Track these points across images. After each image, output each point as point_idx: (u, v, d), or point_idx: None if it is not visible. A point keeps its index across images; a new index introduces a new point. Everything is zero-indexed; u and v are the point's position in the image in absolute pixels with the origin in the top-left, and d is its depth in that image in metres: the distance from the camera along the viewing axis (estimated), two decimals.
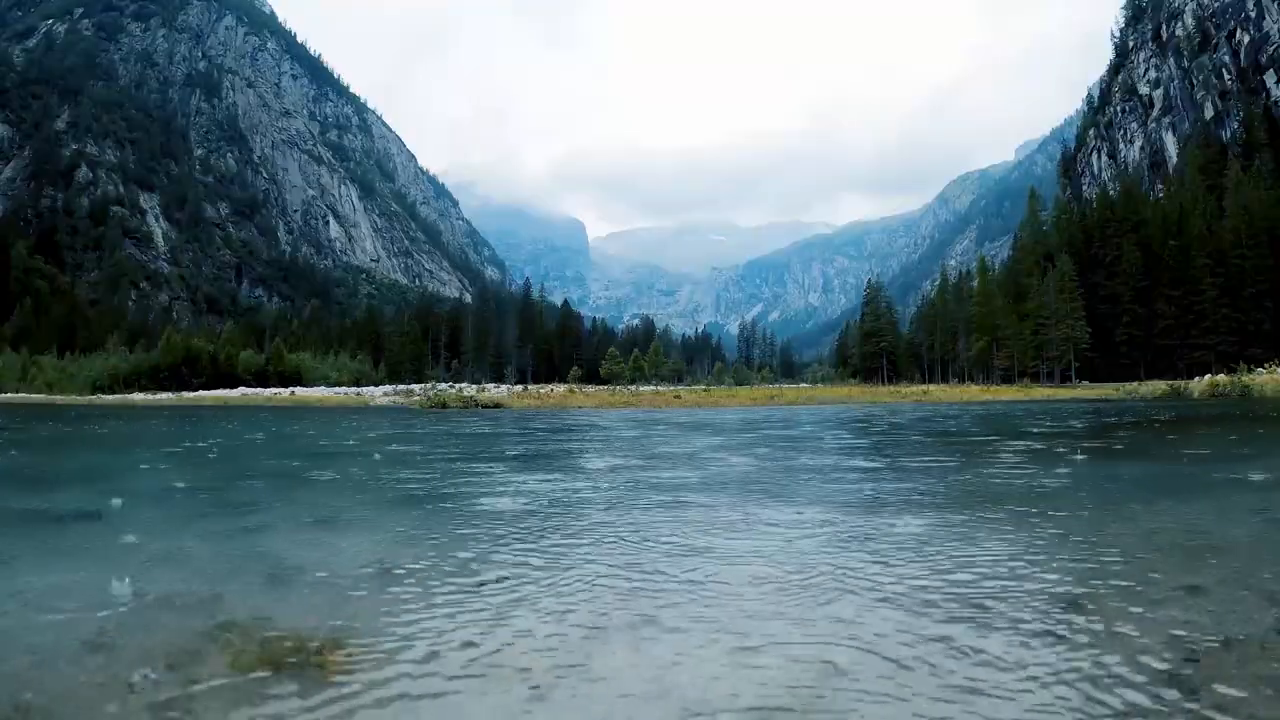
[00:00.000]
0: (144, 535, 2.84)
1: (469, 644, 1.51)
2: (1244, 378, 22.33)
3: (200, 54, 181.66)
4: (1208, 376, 25.34)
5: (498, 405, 22.27)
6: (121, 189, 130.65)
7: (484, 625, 1.64)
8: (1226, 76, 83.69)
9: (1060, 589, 1.89)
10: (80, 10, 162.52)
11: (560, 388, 40.95)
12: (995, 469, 5.01)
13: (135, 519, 3.39)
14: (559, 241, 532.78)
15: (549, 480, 4.67)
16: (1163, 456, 5.99)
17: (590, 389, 39.22)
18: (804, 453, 6.78)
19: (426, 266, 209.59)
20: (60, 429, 12.28)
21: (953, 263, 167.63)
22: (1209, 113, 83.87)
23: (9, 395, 50.08)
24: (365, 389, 42.61)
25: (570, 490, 4.14)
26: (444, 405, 22.50)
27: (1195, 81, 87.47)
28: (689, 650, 1.47)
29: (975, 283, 65.38)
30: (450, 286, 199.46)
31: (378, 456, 6.95)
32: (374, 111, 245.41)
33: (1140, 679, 1.29)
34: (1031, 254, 58.88)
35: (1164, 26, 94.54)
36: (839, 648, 1.47)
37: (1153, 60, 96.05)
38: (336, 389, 43.56)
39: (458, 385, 41.22)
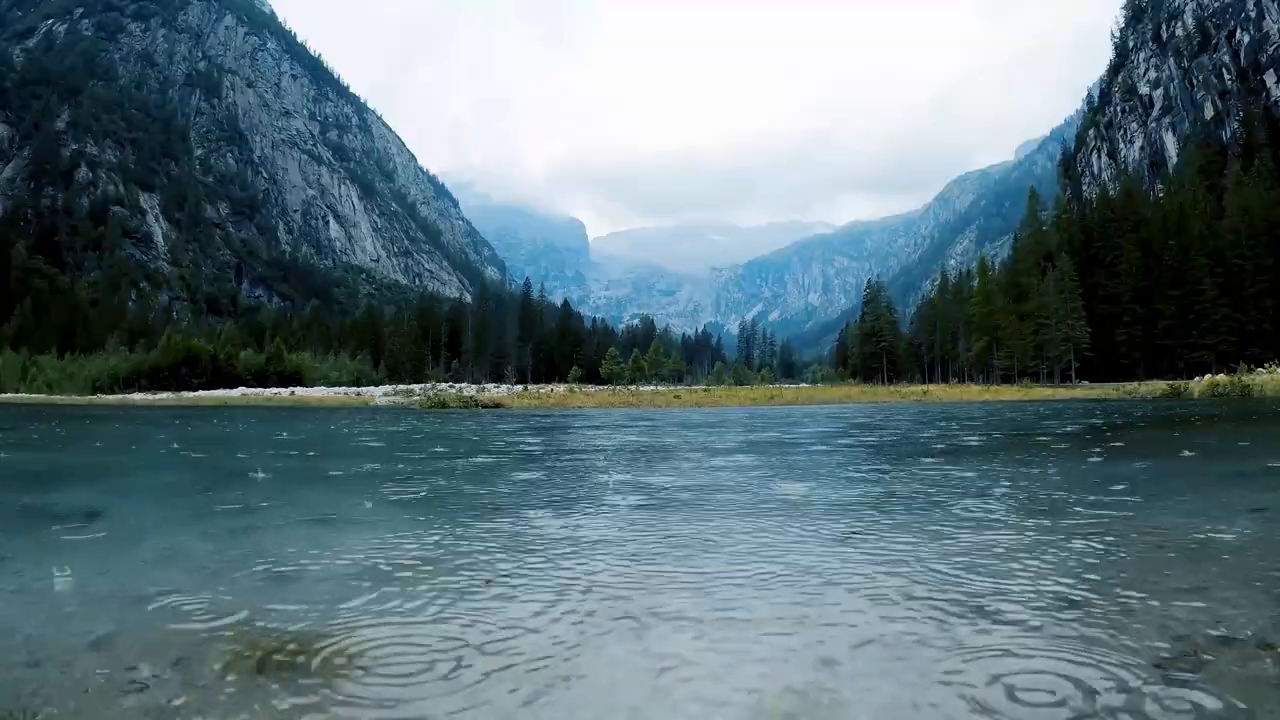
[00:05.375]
0: (144, 534, 2.84)
1: (468, 643, 1.52)
2: (1244, 378, 22.30)
3: (200, 54, 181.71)
4: (1208, 376, 25.33)
5: (498, 405, 22.28)
6: (121, 189, 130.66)
7: (483, 624, 1.64)
8: (1226, 76, 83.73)
9: (1060, 587, 1.89)
10: (80, 10, 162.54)
11: (560, 388, 40.97)
12: (995, 469, 5.01)
13: (136, 518, 3.39)
14: (559, 241, 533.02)
15: (548, 480, 4.67)
16: (1162, 456, 5.99)
17: (590, 389, 39.23)
18: (804, 454, 6.78)
19: (426, 266, 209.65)
20: (60, 429, 12.28)
21: (953, 263, 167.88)
22: (1209, 113, 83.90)
23: (9, 395, 50.11)
24: (365, 389, 42.61)
25: (570, 489, 4.14)
26: (444, 405, 22.51)
27: (1195, 81, 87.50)
28: (688, 649, 1.48)
29: (975, 283, 65.37)
30: (450, 286, 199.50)
31: (377, 457, 6.95)
32: (374, 111, 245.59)
33: (1141, 677, 1.29)
34: (1031, 254, 58.91)
35: (1164, 26, 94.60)
36: (838, 647, 1.47)
37: (1153, 60, 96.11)
38: (336, 389, 43.56)
39: (458, 385, 41.25)
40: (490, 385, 44.95)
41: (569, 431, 10.52)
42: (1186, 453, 6.11)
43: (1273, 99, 76.36)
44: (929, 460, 5.70)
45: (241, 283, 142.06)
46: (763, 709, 1.20)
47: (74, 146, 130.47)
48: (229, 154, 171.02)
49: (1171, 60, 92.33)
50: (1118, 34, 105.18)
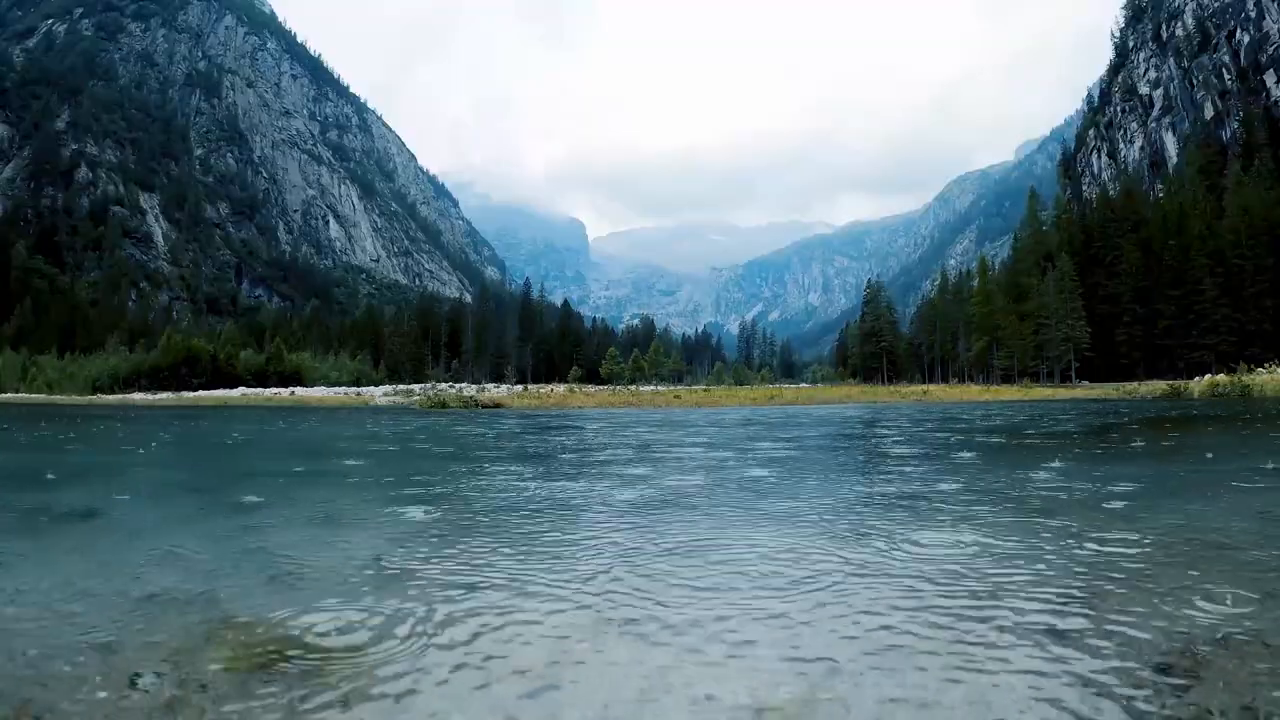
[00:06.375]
0: (144, 534, 2.84)
1: (469, 643, 1.52)
2: (1244, 378, 22.31)
3: (200, 54, 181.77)
4: (1208, 376, 25.32)
5: (498, 405, 22.28)
6: (121, 189, 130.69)
7: (484, 624, 1.65)
8: (1226, 76, 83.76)
9: (1060, 587, 1.89)
10: (80, 10, 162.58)
11: (560, 388, 40.97)
12: (995, 468, 5.01)
13: (135, 518, 3.39)
14: (559, 241, 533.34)
15: (548, 479, 4.67)
16: (1162, 456, 5.98)
17: (590, 389, 39.23)
18: (805, 455, 6.78)
19: (426, 266, 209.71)
20: (60, 429, 12.27)
21: (953, 263, 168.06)
22: (1209, 113, 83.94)
23: (9, 395, 50.12)
24: (365, 389, 42.62)
25: (570, 489, 4.14)
26: (444, 405, 22.52)
27: (1195, 81, 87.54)
28: (689, 648, 1.48)
29: (975, 283, 65.40)
30: (450, 286, 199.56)
31: (377, 457, 6.95)
32: (374, 111, 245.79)
33: (1141, 678, 1.29)
34: (1031, 254, 58.91)
35: (1164, 26, 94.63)
36: (838, 647, 1.47)
37: (1153, 60, 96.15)
38: (336, 389, 43.57)
39: (458, 385, 41.25)
40: (490, 385, 44.96)
41: (569, 432, 10.52)
42: (1186, 453, 6.11)
43: (1273, 99, 76.40)
44: (929, 460, 5.70)
45: (241, 283, 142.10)
46: (763, 710, 1.20)
47: (74, 146, 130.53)
48: (229, 154, 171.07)
49: (1171, 60, 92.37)
50: (1118, 34, 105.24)
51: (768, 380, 76.00)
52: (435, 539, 2.67)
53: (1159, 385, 28.26)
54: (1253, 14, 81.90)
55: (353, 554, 2.41)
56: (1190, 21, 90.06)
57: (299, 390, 42.38)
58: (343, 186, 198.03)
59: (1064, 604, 1.74)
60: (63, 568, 2.28)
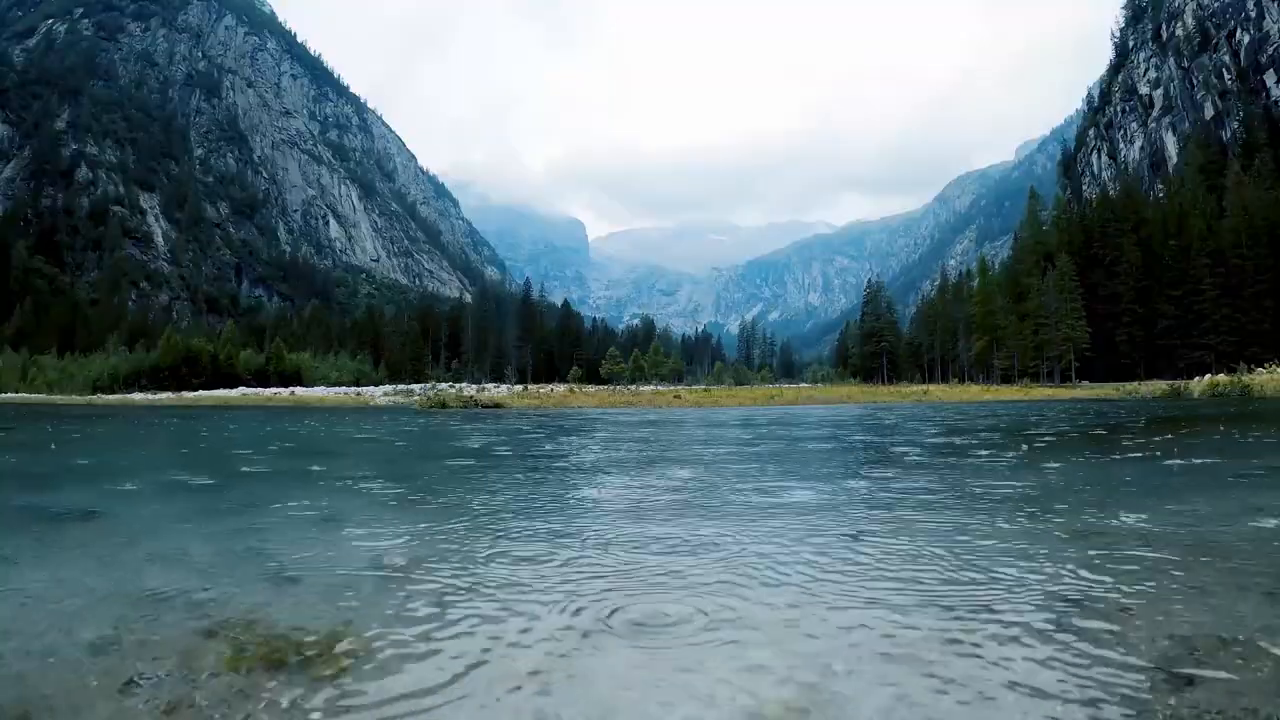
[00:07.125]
0: (143, 534, 2.84)
1: (469, 643, 1.52)
2: (1244, 378, 22.31)
3: (200, 54, 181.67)
4: (1208, 376, 25.30)
5: (498, 405, 22.27)
6: (121, 189, 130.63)
7: (484, 624, 1.65)
8: (1226, 76, 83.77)
9: (1060, 588, 1.89)
10: (80, 10, 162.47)
11: (560, 388, 40.94)
12: (995, 468, 5.01)
13: (135, 517, 3.39)
14: (559, 241, 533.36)
15: (546, 480, 4.67)
16: (1162, 456, 5.98)
17: (590, 389, 39.20)
18: (804, 455, 6.77)
19: (426, 266, 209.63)
20: (60, 429, 12.27)
21: (953, 263, 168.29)
22: (1209, 113, 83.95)
23: (9, 395, 50.04)
24: (365, 389, 42.57)
25: (569, 490, 4.14)
26: (444, 405, 22.50)
27: (1195, 81, 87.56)
28: (691, 650, 1.48)
29: (975, 283, 65.42)
30: (450, 286, 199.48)
31: (377, 457, 6.95)
32: (374, 111, 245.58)
33: (1140, 678, 1.29)
34: (1031, 254, 58.90)
35: (1164, 26, 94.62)
36: (837, 648, 1.47)
37: (1153, 60, 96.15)
38: (336, 389, 43.51)
39: (458, 385, 41.20)
40: (490, 385, 44.92)
41: (569, 432, 10.52)
42: (1186, 453, 6.10)
43: (1273, 99, 76.43)
44: (930, 460, 5.70)
45: (241, 283, 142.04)
46: (762, 710, 1.20)
47: (74, 146, 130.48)
48: (229, 154, 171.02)
49: (1171, 60, 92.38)
50: (1118, 34, 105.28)
51: (768, 380, 75.95)
52: (434, 539, 2.67)
53: (1159, 385, 28.28)
54: (1253, 14, 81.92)
55: (352, 554, 2.41)
56: (1190, 21, 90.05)
57: (299, 390, 42.31)
58: (343, 186, 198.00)
59: (1063, 604, 1.73)
60: (62, 567, 2.28)
